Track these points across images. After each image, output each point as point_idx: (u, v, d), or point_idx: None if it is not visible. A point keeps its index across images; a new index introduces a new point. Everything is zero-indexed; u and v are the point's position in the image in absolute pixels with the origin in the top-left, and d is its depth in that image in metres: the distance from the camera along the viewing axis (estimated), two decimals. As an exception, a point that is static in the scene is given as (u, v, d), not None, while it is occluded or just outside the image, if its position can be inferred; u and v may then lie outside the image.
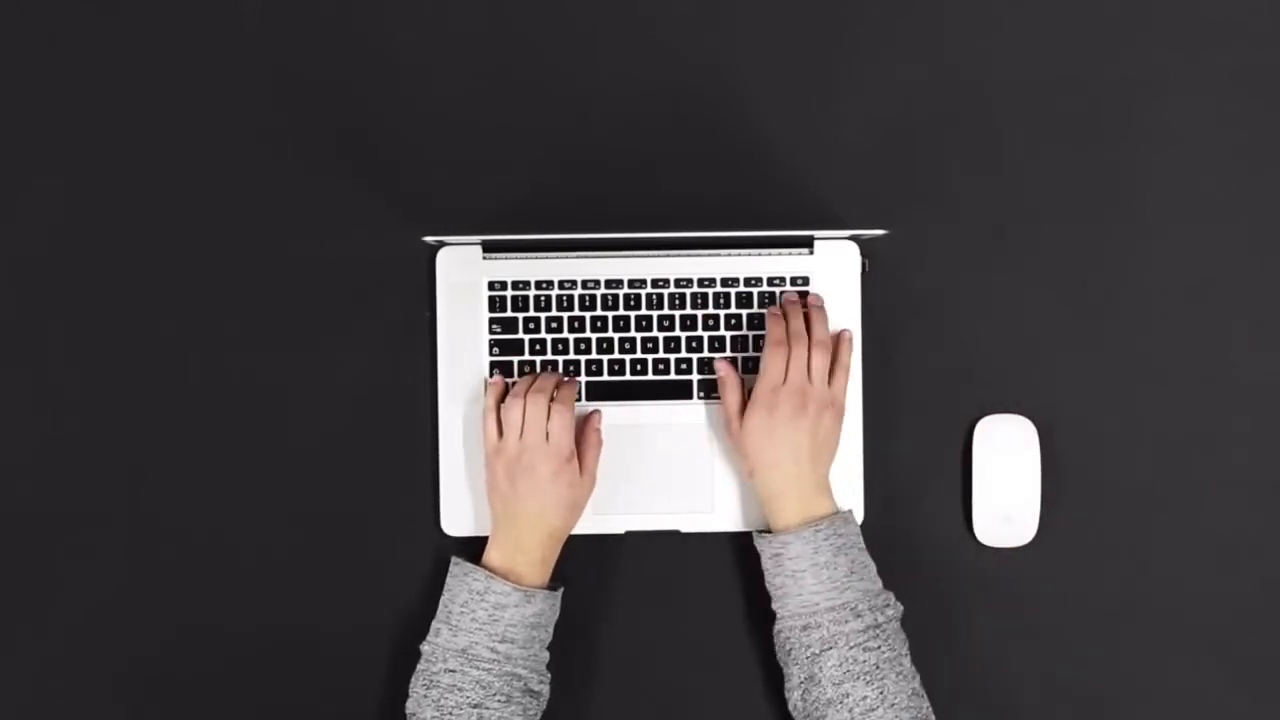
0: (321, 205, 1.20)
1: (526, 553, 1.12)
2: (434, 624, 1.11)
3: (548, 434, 1.12)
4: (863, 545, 1.12)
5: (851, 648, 1.07)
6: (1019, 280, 1.21)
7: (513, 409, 1.13)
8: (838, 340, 1.16)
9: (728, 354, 1.18)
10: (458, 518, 1.19)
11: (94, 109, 1.20)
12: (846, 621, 1.07)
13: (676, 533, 1.19)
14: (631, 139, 1.20)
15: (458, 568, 1.12)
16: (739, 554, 1.18)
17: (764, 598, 1.13)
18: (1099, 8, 1.21)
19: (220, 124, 1.20)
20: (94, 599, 1.19)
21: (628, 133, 1.21)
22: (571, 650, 1.16)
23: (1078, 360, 1.20)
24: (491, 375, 1.18)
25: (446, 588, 1.12)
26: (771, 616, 1.12)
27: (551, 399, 1.13)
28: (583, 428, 1.16)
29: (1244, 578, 1.20)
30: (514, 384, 1.15)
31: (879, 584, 1.11)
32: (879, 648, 1.07)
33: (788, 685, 1.11)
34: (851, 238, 1.18)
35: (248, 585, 1.19)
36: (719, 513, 1.19)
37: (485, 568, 1.12)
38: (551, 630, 1.12)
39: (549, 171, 1.20)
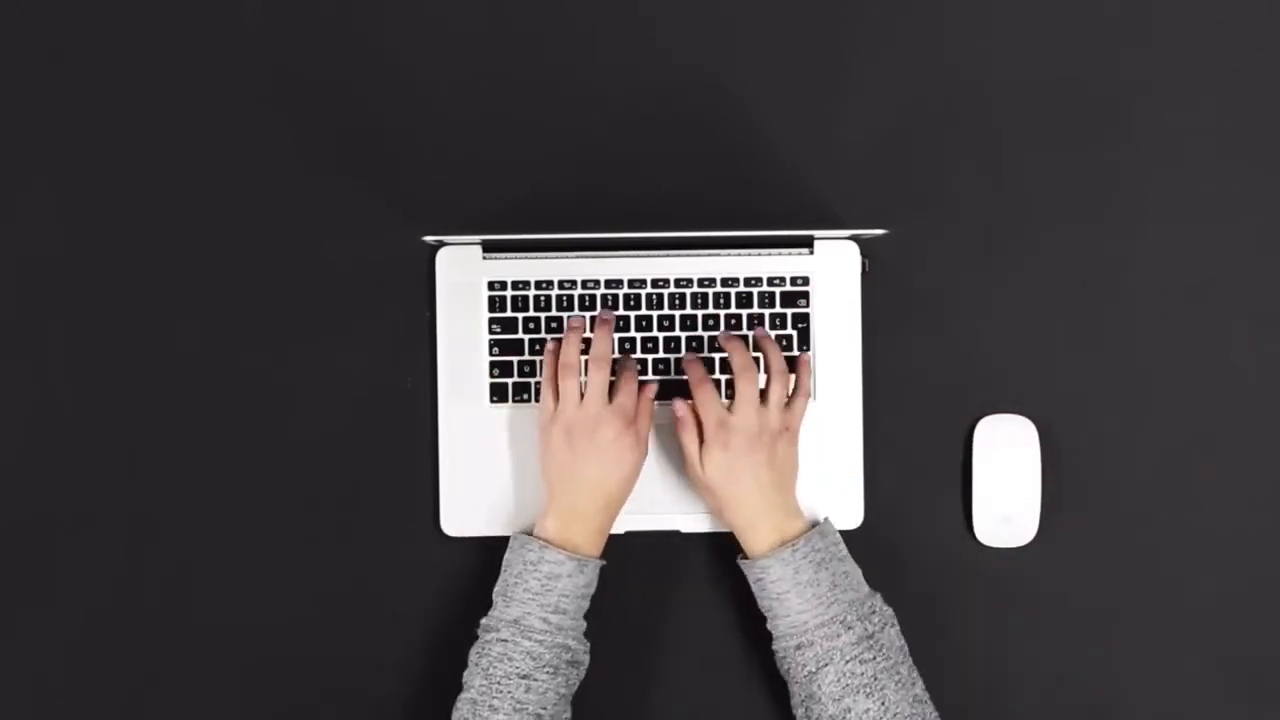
0: (321, 205, 1.20)
1: (584, 520, 1.11)
2: (494, 595, 1.11)
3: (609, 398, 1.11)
4: (842, 554, 1.11)
5: (847, 661, 1.06)
6: (1019, 280, 1.21)
7: (570, 376, 1.12)
8: (797, 364, 1.16)
9: (687, 400, 1.14)
10: (457, 518, 1.19)
11: (94, 109, 1.20)
12: (839, 635, 1.07)
13: (676, 533, 1.19)
14: (632, 139, 1.20)
15: (515, 540, 1.11)
16: (739, 554, 1.18)
17: (764, 598, 1.13)
18: (1099, 8, 1.21)
19: (220, 124, 1.20)
20: (93, 599, 1.19)
21: (628, 133, 1.20)
22: (571, 650, 1.16)
23: (1078, 360, 1.20)
24: (492, 374, 1.18)
25: (505, 562, 1.11)
26: (769, 633, 1.12)
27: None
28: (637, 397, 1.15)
29: (1244, 578, 1.20)
30: (560, 339, 1.14)
31: (863, 590, 1.10)
32: (874, 659, 1.07)
33: (792, 702, 1.11)
34: (851, 238, 1.18)
35: (247, 585, 1.19)
36: (719, 513, 1.19)
37: (539, 538, 1.11)
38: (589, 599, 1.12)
39: (549, 171, 1.20)
